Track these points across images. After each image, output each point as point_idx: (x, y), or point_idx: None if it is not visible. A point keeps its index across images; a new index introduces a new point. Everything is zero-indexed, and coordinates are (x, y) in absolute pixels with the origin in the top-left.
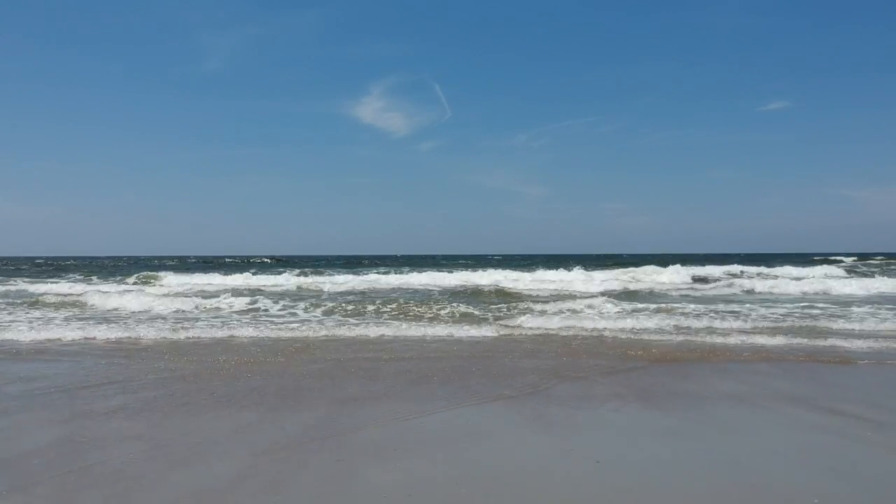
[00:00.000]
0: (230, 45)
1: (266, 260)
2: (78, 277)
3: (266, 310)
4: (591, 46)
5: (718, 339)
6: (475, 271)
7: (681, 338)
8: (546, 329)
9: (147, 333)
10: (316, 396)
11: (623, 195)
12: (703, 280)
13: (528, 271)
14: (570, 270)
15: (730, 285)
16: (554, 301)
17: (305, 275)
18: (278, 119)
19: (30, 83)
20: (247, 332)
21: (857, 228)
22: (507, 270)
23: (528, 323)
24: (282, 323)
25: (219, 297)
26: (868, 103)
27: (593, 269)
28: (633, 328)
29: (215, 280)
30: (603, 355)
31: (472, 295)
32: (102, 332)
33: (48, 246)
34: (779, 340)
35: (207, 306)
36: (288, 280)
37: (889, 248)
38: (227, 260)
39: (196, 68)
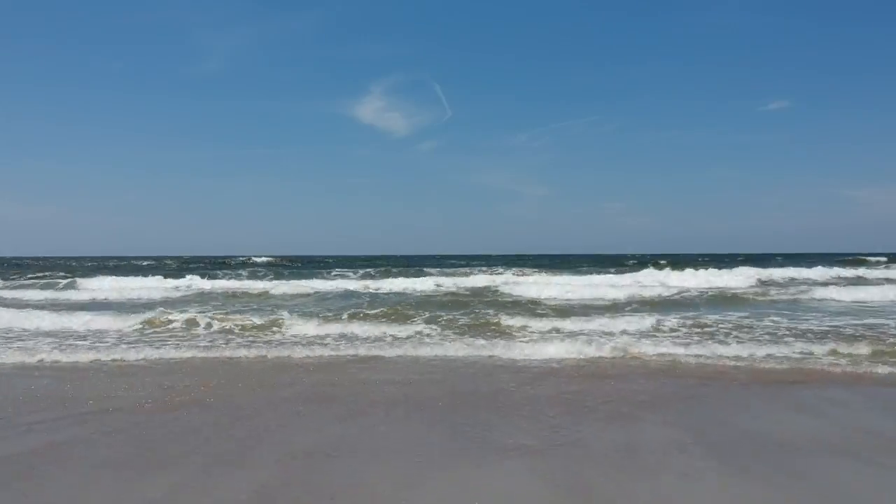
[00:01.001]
0: (230, 45)
1: (258, 259)
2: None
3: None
4: (591, 46)
5: (759, 362)
6: (474, 274)
7: (720, 361)
8: (561, 346)
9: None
10: (265, 446)
11: (624, 195)
12: (766, 284)
13: (534, 273)
14: (596, 273)
15: (805, 291)
16: (577, 313)
17: (289, 278)
18: (278, 119)
19: (30, 83)
20: (184, 351)
21: (858, 228)
22: (509, 274)
23: (540, 339)
24: (233, 340)
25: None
26: (868, 103)
27: (619, 271)
28: (663, 353)
29: (150, 283)
30: (635, 378)
31: (471, 303)
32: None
33: (48, 246)
34: (848, 358)
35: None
36: (246, 284)
37: (891, 249)
38: (225, 261)
39: (196, 68)
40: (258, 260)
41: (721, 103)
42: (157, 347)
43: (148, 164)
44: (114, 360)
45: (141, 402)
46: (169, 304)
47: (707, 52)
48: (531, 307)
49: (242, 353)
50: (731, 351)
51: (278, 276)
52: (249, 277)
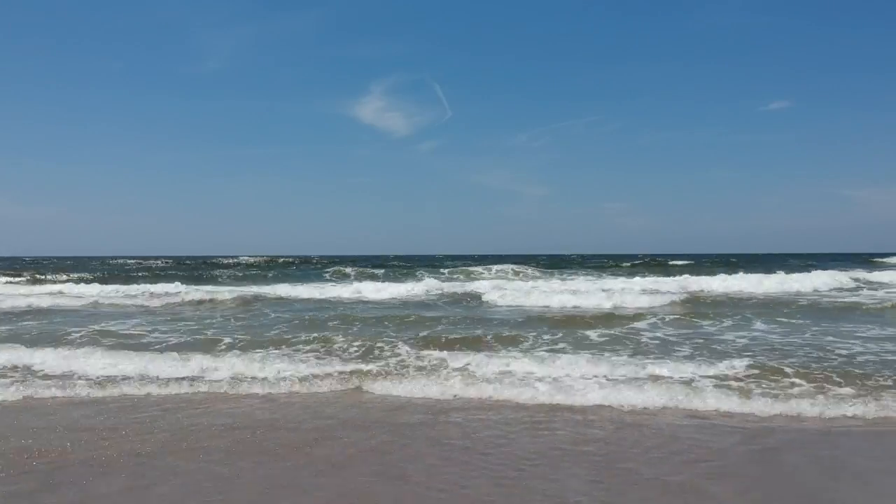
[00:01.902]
0: (230, 45)
1: (245, 260)
2: None
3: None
4: (591, 46)
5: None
6: (472, 278)
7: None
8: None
9: None
10: None
11: (624, 195)
12: (848, 290)
13: (536, 275)
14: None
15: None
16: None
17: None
18: (278, 119)
19: (30, 83)
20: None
21: (858, 229)
22: (508, 276)
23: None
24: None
25: None
26: (869, 103)
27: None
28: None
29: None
30: (679, 418)
31: (442, 319)
32: None
33: (48, 246)
34: None
35: None
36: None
37: (892, 249)
38: (213, 261)
39: (196, 68)
40: (246, 260)
41: (721, 103)
42: None
43: (147, 164)
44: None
45: None
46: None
47: (707, 52)
48: (527, 326)
49: None
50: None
51: (250, 279)
52: (224, 282)
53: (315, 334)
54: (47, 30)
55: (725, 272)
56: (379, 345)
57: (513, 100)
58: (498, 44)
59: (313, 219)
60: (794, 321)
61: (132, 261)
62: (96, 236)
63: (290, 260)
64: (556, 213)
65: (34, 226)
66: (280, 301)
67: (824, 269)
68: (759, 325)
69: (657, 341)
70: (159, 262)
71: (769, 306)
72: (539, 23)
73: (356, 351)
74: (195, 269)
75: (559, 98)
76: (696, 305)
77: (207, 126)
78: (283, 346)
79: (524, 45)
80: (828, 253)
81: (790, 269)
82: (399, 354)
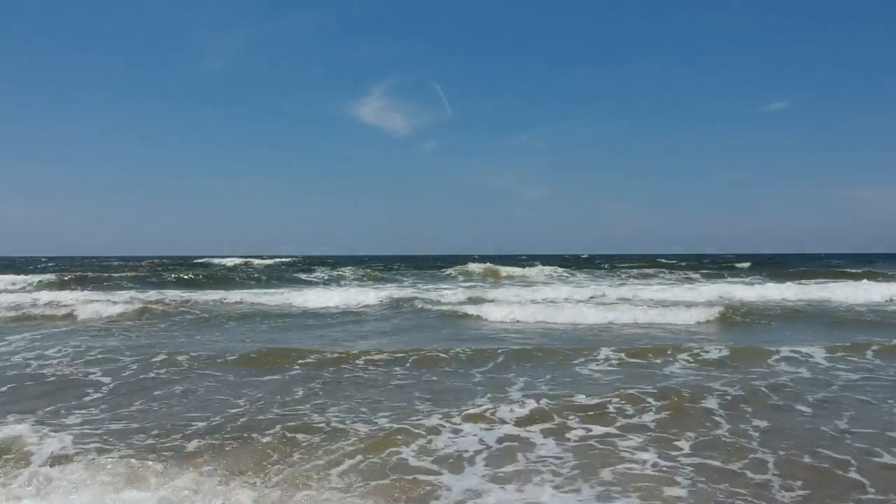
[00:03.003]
0: (230, 45)
1: (225, 261)
2: None
3: None
4: (592, 46)
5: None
6: (467, 285)
7: None
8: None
9: None
10: None
11: (624, 195)
12: None
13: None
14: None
15: None
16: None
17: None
18: (279, 119)
19: (30, 83)
20: None
21: (859, 229)
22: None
23: None
24: None
25: None
26: (870, 103)
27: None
28: None
29: None
30: None
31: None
32: None
33: (48, 246)
34: None
35: None
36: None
37: (892, 249)
38: (212, 262)
39: (196, 68)
40: (233, 262)
41: (723, 103)
42: None
43: (147, 165)
44: None
45: None
46: None
47: (708, 53)
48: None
49: None
50: None
51: (210, 283)
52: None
53: None
54: (47, 30)
55: (754, 276)
56: None
57: (513, 100)
58: (498, 44)
59: (313, 219)
60: None
61: (115, 262)
62: (95, 237)
63: (292, 260)
64: (557, 213)
65: (34, 226)
66: (171, 310)
67: (840, 268)
68: None
69: None
70: (155, 262)
71: None
72: (539, 23)
73: None
74: (175, 270)
75: (560, 98)
76: (768, 323)
77: (207, 126)
78: None
79: (524, 46)
80: (837, 253)
81: (812, 271)
82: None
